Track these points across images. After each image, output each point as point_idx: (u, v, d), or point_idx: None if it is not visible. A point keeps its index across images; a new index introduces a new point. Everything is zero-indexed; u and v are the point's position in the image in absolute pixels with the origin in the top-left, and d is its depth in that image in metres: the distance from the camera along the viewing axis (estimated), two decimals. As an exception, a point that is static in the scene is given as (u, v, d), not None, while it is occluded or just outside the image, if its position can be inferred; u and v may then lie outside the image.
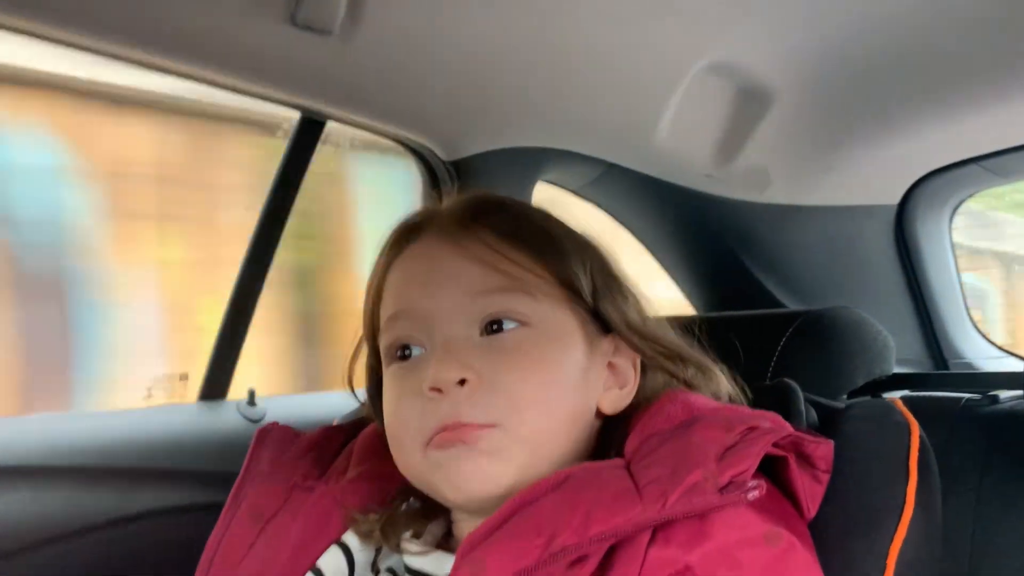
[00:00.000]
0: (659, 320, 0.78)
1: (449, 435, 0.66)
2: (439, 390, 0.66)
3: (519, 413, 0.66)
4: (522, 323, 0.69)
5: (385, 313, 0.73)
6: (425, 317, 0.69)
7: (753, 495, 0.58)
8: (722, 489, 0.58)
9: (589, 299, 0.72)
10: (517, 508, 0.62)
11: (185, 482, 1.21)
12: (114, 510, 1.15)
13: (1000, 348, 1.87)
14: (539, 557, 0.58)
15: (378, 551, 0.76)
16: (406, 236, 0.75)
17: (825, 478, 0.67)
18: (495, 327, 0.68)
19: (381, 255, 0.76)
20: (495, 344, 0.68)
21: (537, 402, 0.67)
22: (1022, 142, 1.52)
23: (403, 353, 0.71)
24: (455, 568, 0.61)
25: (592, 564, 0.59)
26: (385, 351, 0.73)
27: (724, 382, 0.76)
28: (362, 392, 0.83)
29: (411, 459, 0.69)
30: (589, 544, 0.58)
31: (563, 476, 0.63)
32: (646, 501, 0.59)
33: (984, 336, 1.86)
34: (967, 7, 1.15)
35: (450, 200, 0.77)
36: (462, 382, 0.66)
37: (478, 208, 0.74)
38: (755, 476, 0.60)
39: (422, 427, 0.67)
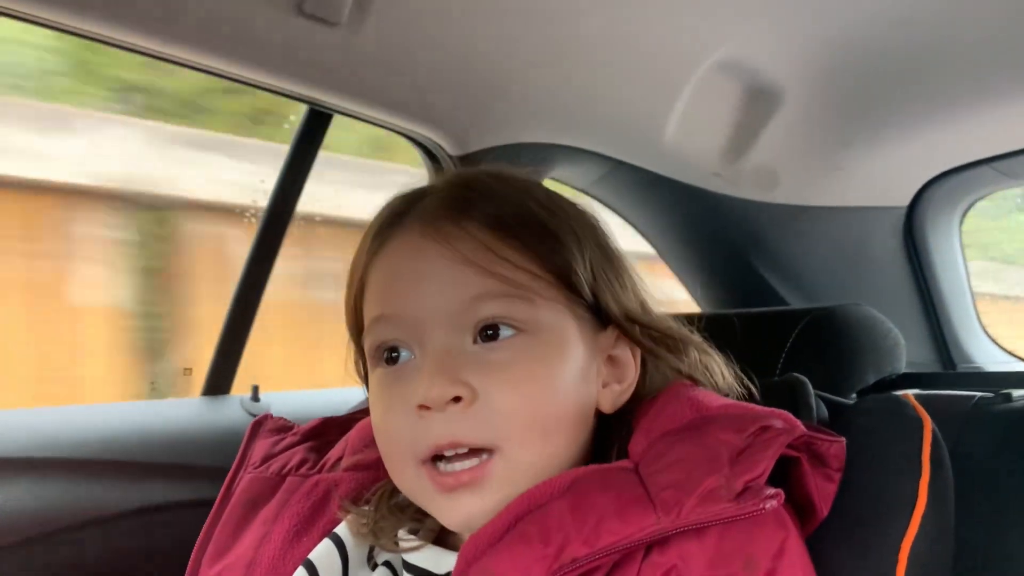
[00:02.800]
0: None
1: (451, 480, 0.62)
2: (429, 408, 0.62)
3: (518, 436, 0.63)
4: (519, 330, 0.64)
5: (369, 312, 0.68)
6: (413, 322, 0.65)
7: (771, 505, 0.56)
8: (738, 495, 0.56)
9: (589, 294, 0.68)
10: (524, 512, 0.60)
11: (187, 477, 1.21)
12: (116, 504, 1.14)
13: (1010, 353, 1.85)
14: (549, 568, 0.56)
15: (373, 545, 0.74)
16: (390, 223, 0.69)
17: (837, 476, 0.65)
18: (490, 333, 0.64)
19: (364, 243, 0.70)
20: (490, 354, 0.64)
21: (536, 422, 0.64)
22: (1033, 144, 1.50)
23: (390, 356, 0.66)
24: (458, 574, 0.59)
25: (600, 575, 0.57)
26: (370, 352, 0.68)
27: (724, 371, 0.74)
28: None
29: (403, 474, 0.66)
30: (600, 556, 0.56)
31: (570, 479, 0.61)
32: (660, 510, 0.57)
33: (993, 340, 1.85)
34: (978, 6, 1.14)
35: (436, 182, 0.72)
36: (456, 399, 0.62)
37: (466, 196, 0.68)
38: (769, 480, 0.58)
39: (413, 444, 0.64)
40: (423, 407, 0.62)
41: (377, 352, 0.67)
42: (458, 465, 0.63)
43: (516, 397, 0.63)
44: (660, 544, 0.57)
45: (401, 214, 0.69)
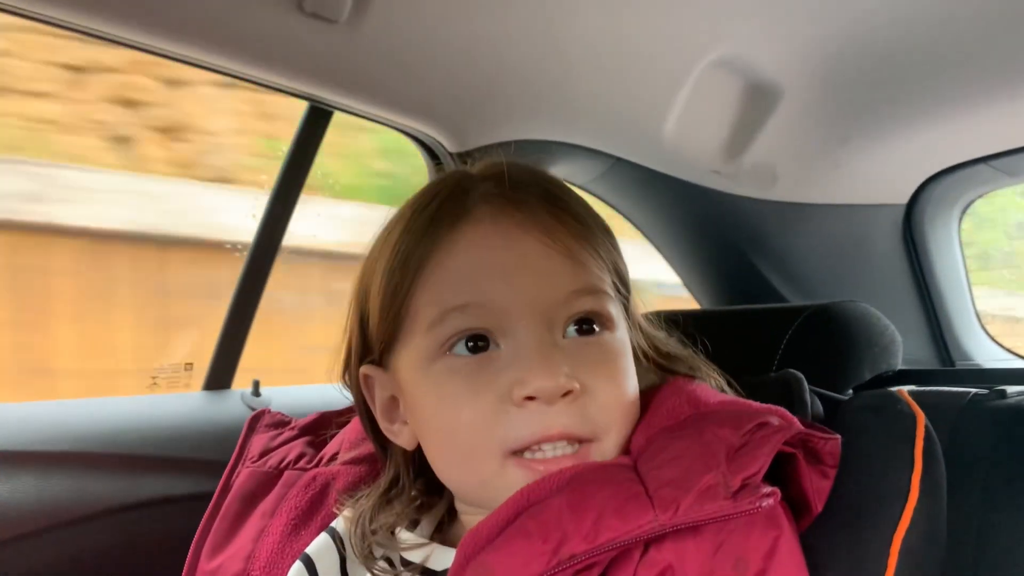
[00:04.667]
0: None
1: (551, 467, 0.62)
2: (533, 398, 0.61)
3: (616, 427, 0.65)
4: (604, 326, 0.66)
5: (441, 301, 0.64)
6: (502, 312, 0.63)
7: (767, 503, 0.56)
8: (735, 493, 0.56)
9: (628, 299, 0.71)
10: (523, 507, 0.60)
11: (188, 471, 1.21)
12: (117, 498, 1.14)
13: (1009, 351, 1.85)
14: (547, 564, 0.56)
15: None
16: (453, 210, 0.67)
17: (832, 473, 0.65)
18: (585, 328, 0.65)
19: (413, 229, 0.67)
20: (586, 349, 0.65)
21: (626, 415, 0.66)
22: (1032, 142, 1.50)
23: (476, 345, 0.64)
24: (457, 569, 0.59)
25: (597, 571, 0.57)
26: (440, 341, 0.65)
27: (716, 378, 0.75)
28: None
29: (480, 467, 0.64)
30: (598, 552, 0.56)
31: (569, 474, 0.61)
32: (658, 507, 0.57)
33: (992, 339, 1.84)
34: (976, 5, 1.14)
35: (479, 169, 0.71)
36: (567, 392, 0.62)
37: (549, 188, 0.68)
38: (765, 478, 0.59)
39: (505, 434, 0.62)
40: (529, 398, 0.61)
41: (449, 341, 0.64)
42: (558, 452, 0.63)
43: (615, 391, 0.65)
44: (657, 541, 0.57)
45: (459, 200, 0.67)
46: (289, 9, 1.02)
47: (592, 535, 0.56)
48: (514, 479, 0.62)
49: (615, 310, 0.67)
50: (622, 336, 0.68)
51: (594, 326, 0.65)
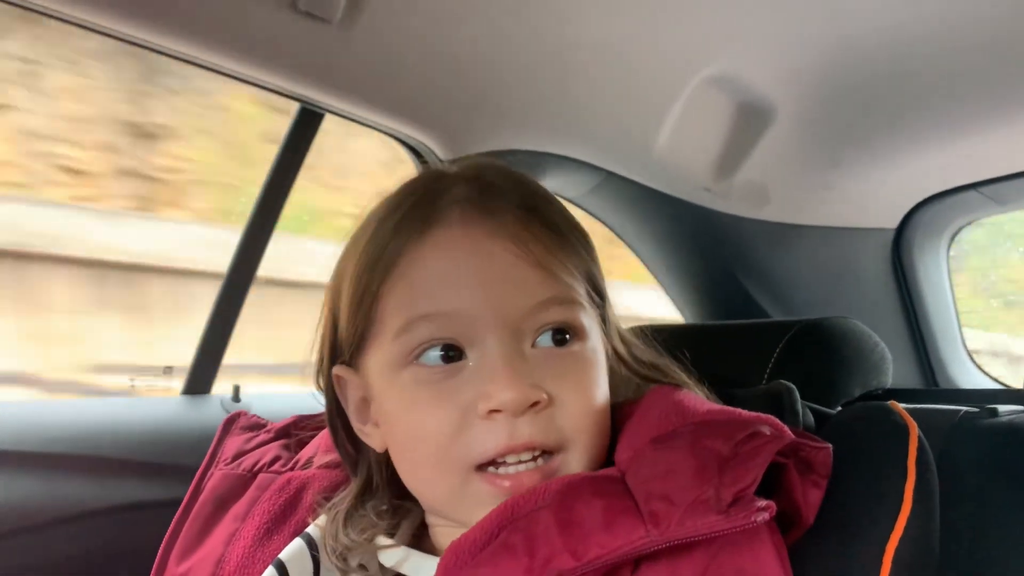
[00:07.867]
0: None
1: (515, 483, 0.61)
2: (500, 411, 0.60)
3: (584, 438, 0.63)
4: (576, 336, 0.65)
5: (409, 308, 0.63)
6: (470, 322, 0.62)
7: (762, 518, 0.54)
8: (728, 507, 0.55)
9: (603, 307, 0.70)
10: (507, 520, 0.58)
11: (163, 475, 1.18)
12: (90, 501, 1.12)
13: (995, 380, 1.85)
14: None
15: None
16: (425, 213, 0.65)
17: (824, 483, 0.64)
18: (557, 338, 0.64)
19: (382, 234, 0.66)
20: (555, 360, 0.64)
21: (597, 425, 0.65)
22: (1021, 169, 1.50)
23: (447, 355, 0.63)
24: None
25: None
26: (407, 349, 0.63)
27: (700, 389, 0.74)
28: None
29: (443, 481, 0.63)
30: (587, 570, 0.54)
31: (558, 486, 0.59)
32: (649, 523, 0.55)
33: (979, 367, 1.84)
34: (968, 30, 1.15)
35: (457, 170, 0.69)
36: (534, 404, 0.61)
37: (525, 195, 0.67)
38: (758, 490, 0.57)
39: (470, 447, 0.61)
40: (495, 411, 0.60)
41: (417, 350, 0.63)
42: (522, 467, 0.62)
43: (583, 401, 0.64)
44: (648, 559, 0.55)
45: (431, 203, 0.66)
46: (282, 7, 1.01)
47: (581, 551, 0.54)
48: (479, 493, 0.62)
49: (587, 320, 0.66)
50: (594, 346, 0.67)
51: (565, 335, 0.65)
